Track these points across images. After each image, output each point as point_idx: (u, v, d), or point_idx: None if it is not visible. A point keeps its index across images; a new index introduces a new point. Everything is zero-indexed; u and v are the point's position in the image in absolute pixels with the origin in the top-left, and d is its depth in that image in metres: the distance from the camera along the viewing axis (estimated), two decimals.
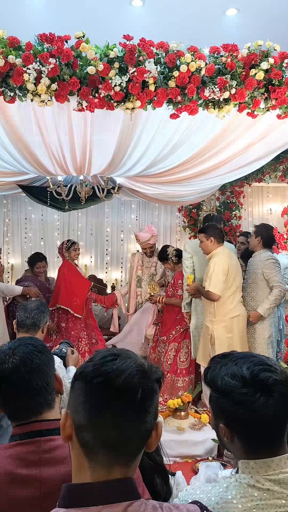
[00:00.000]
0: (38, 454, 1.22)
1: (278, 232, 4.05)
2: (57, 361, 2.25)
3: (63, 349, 2.56)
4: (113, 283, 7.24)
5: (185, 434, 3.67)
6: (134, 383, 0.89)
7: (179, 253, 4.77)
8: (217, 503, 1.09)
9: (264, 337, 4.25)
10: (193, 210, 6.91)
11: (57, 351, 2.51)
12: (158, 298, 4.85)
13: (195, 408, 4.19)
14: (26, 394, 1.30)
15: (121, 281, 7.39)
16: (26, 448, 1.23)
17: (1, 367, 1.31)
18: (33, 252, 5.79)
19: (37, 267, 5.43)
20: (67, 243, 5.15)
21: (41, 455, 1.22)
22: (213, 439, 3.56)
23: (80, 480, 0.89)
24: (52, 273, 7.19)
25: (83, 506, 0.85)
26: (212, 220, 4.90)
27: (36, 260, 5.49)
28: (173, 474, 1.51)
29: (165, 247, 4.90)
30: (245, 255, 4.90)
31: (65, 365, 2.47)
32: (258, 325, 4.27)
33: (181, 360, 4.58)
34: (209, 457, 3.50)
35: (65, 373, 2.30)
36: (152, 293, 5.01)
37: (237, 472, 1.19)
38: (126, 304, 5.59)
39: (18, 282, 5.28)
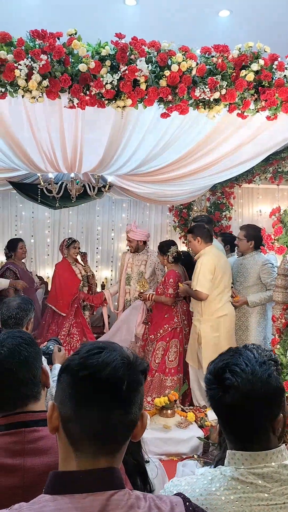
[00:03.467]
0: (22, 444, 1.24)
1: (266, 233, 4.08)
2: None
3: (50, 347, 2.56)
4: (102, 282, 7.24)
5: (171, 432, 3.68)
6: (120, 375, 0.91)
7: (178, 257, 4.75)
8: (200, 495, 1.11)
9: (259, 340, 4.30)
10: (183, 210, 6.94)
11: (44, 348, 2.51)
12: (147, 296, 4.86)
13: (182, 406, 4.21)
14: (12, 385, 1.32)
15: (111, 279, 7.39)
16: (10, 438, 1.25)
17: None
18: None
19: (20, 247, 5.39)
20: (68, 241, 5.32)
21: (25, 445, 1.24)
22: (199, 437, 3.58)
23: (67, 469, 0.91)
24: (42, 271, 7.19)
25: (68, 493, 0.86)
26: (202, 221, 4.91)
27: (17, 241, 5.49)
28: (147, 462, 1.52)
29: (171, 244, 4.80)
30: None
31: (51, 362, 2.47)
32: (251, 325, 4.32)
33: (169, 359, 4.59)
34: (194, 455, 3.52)
35: (49, 371, 2.31)
36: (141, 290, 5.02)
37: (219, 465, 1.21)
38: (116, 303, 5.61)
39: (1, 275, 5.19)
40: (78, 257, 5.43)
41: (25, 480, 1.19)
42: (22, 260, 5.61)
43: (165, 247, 4.76)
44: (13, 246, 5.42)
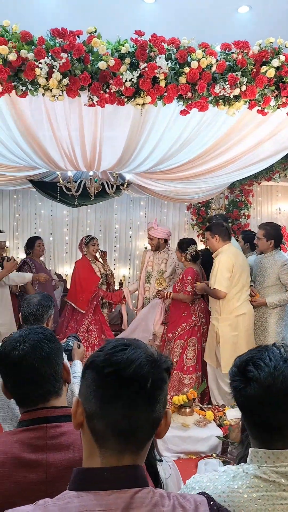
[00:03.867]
0: (45, 440, 1.25)
1: (287, 231, 4.04)
2: None
3: (69, 343, 2.57)
4: (120, 280, 7.27)
5: (190, 430, 3.67)
6: (144, 373, 0.91)
7: (196, 257, 4.74)
8: (223, 492, 1.10)
9: (277, 341, 4.24)
10: (201, 208, 6.91)
11: (63, 345, 2.53)
12: (165, 293, 4.86)
13: (200, 405, 4.20)
14: (34, 381, 1.32)
15: (129, 277, 7.41)
16: (33, 433, 1.26)
17: (12, 354, 1.34)
18: None
19: (37, 244, 5.50)
20: (86, 238, 5.37)
21: (47, 441, 1.25)
22: (218, 436, 3.57)
23: (91, 466, 0.91)
24: (61, 269, 7.25)
25: (92, 490, 0.87)
26: (215, 219, 4.86)
27: (35, 239, 5.59)
28: (161, 461, 1.51)
29: (191, 242, 4.77)
30: None
31: (71, 358, 2.49)
32: (270, 325, 4.28)
33: (188, 357, 4.57)
34: (213, 454, 3.51)
35: (69, 367, 2.32)
36: (159, 288, 5.02)
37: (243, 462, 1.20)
38: (134, 301, 5.62)
39: (19, 268, 5.26)
40: (98, 255, 5.46)
41: (48, 475, 1.20)
42: (41, 258, 5.69)
43: (184, 244, 4.75)
44: (31, 244, 5.52)
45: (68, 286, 6.55)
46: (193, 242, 4.79)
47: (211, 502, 0.95)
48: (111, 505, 0.85)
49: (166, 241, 5.24)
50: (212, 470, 1.71)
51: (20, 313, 2.44)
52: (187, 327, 4.62)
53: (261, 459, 1.12)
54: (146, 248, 5.51)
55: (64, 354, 2.36)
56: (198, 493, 1.00)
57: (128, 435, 0.90)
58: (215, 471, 1.27)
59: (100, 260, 5.52)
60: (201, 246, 6.82)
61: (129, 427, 0.90)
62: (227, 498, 1.08)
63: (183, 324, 4.63)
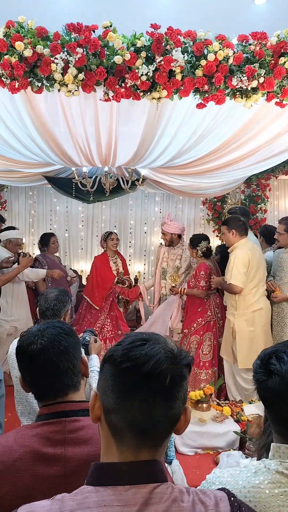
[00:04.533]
0: (63, 434, 1.25)
1: None
2: None
3: (86, 338, 2.58)
4: (136, 276, 7.26)
5: (207, 426, 3.66)
6: (163, 369, 0.88)
7: (207, 252, 4.72)
8: (244, 487, 1.09)
9: None
10: (217, 203, 6.85)
11: (80, 339, 2.53)
12: (179, 289, 4.85)
13: (217, 400, 4.18)
14: (52, 375, 1.32)
15: (144, 273, 7.41)
16: (51, 427, 1.26)
17: (30, 348, 1.34)
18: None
19: (52, 241, 5.52)
20: (105, 234, 5.43)
21: (66, 435, 1.25)
22: (235, 432, 3.55)
23: (108, 460, 0.91)
24: (76, 265, 7.28)
25: (110, 485, 0.86)
26: (236, 213, 4.82)
27: (50, 235, 5.62)
28: (170, 463, 1.51)
29: (203, 238, 4.76)
30: None
31: (88, 353, 2.50)
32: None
33: (204, 352, 4.56)
34: (231, 449, 3.49)
35: (87, 361, 2.33)
36: (173, 284, 5.01)
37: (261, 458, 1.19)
38: (149, 297, 5.61)
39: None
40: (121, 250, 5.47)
41: (67, 469, 1.20)
42: (56, 254, 5.71)
43: (196, 240, 4.73)
44: (46, 240, 5.55)
45: (84, 282, 6.58)
46: (204, 238, 4.77)
47: (232, 498, 0.93)
48: (129, 501, 0.84)
49: (180, 236, 5.21)
50: (235, 462, 1.69)
51: (37, 308, 2.45)
52: (203, 322, 4.61)
53: (283, 454, 1.11)
54: (161, 244, 5.49)
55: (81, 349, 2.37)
56: (218, 489, 0.99)
57: (146, 431, 0.89)
58: (237, 462, 1.26)
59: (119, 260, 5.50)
60: (217, 241, 6.77)
61: (146, 424, 0.88)
62: (248, 493, 1.08)
63: (198, 320, 4.62)
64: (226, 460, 1.62)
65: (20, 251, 4.76)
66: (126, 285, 5.35)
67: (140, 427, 0.88)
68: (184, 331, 4.73)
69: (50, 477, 1.19)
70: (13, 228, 5.33)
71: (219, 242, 6.55)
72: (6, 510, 1.05)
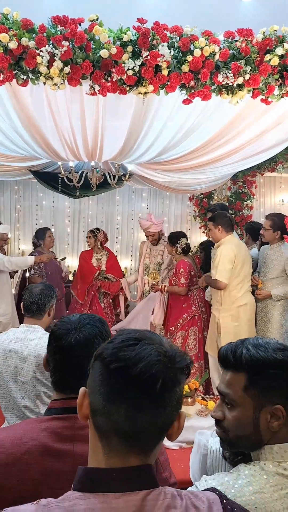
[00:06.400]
0: (73, 430, 1.23)
1: None
2: None
3: None
4: (122, 272, 7.26)
5: (192, 420, 3.68)
6: (153, 373, 0.81)
7: (186, 250, 4.75)
8: (245, 495, 1.05)
9: (280, 333, 4.25)
10: (204, 200, 6.88)
11: None
12: (160, 287, 4.86)
13: (202, 395, 4.21)
14: (74, 372, 1.29)
15: (131, 269, 7.41)
16: (61, 423, 1.24)
17: (64, 339, 1.31)
18: None
19: (48, 235, 5.38)
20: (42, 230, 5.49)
21: (75, 431, 1.23)
22: None
23: (95, 464, 0.86)
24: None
25: (99, 491, 0.81)
26: (213, 209, 4.83)
27: (45, 230, 5.49)
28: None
29: (181, 235, 4.78)
30: None
31: None
32: (274, 317, 4.27)
33: (189, 347, 4.59)
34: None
35: None
36: (153, 282, 5.03)
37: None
38: (135, 292, 5.62)
39: None
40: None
41: (75, 466, 1.19)
42: (51, 250, 5.62)
43: (174, 238, 4.74)
44: (42, 234, 5.42)
45: (71, 277, 6.58)
46: (183, 235, 4.80)
47: (224, 501, 0.89)
48: (120, 509, 0.78)
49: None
50: (205, 440, 1.60)
51: (22, 303, 2.44)
52: (188, 317, 4.64)
53: (276, 454, 1.09)
54: (143, 242, 5.51)
55: None
56: (208, 489, 0.95)
57: (132, 437, 0.82)
58: (207, 440, 1.26)
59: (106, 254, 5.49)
60: (204, 237, 6.80)
61: (131, 430, 0.81)
62: (252, 501, 1.03)
63: (184, 315, 4.65)
64: (198, 439, 1.60)
65: (5, 247, 4.71)
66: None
67: (126, 433, 0.82)
68: (171, 328, 4.74)
69: (58, 472, 1.17)
70: None
71: (205, 238, 6.58)
72: (11, 502, 1.02)
